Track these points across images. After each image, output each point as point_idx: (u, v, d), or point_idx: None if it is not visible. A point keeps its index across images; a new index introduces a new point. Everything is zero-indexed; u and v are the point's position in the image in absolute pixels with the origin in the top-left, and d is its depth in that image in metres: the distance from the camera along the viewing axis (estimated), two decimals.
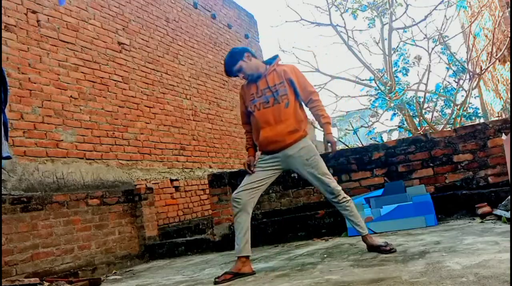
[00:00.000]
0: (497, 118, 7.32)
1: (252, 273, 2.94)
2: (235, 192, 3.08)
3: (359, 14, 10.02)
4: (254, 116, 3.11)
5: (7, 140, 3.10)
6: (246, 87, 3.22)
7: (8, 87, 3.44)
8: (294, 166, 3.07)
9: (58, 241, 4.13)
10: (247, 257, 2.98)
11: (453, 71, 8.98)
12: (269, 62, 3.22)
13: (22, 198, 3.92)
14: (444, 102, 9.66)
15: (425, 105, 9.41)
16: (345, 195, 3.05)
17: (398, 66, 9.43)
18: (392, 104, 8.66)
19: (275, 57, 3.24)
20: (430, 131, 6.91)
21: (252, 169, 3.14)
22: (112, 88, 5.73)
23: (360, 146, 7.26)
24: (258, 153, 3.28)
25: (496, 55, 7.53)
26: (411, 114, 8.81)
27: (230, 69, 3.16)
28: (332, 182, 3.03)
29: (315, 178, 3.02)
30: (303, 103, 3.16)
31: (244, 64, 3.11)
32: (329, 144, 3.05)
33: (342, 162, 4.70)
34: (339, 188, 3.03)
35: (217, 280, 2.86)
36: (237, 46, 3.39)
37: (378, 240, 3.04)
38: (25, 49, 4.64)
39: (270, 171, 3.10)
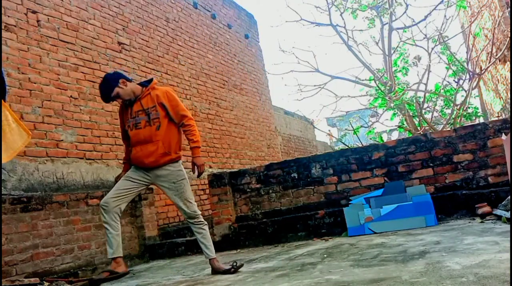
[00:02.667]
0: (497, 118, 7.32)
1: (126, 272, 3.29)
2: (103, 199, 3.26)
3: (359, 14, 10.02)
4: (128, 135, 3.33)
5: None
6: (123, 106, 3.39)
7: (8, 88, 3.44)
8: (161, 185, 3.30)
9: (58, 241, 4.13)
10: (121, 257, 3.28)
11: (453, 71, 8.98)
12: (144, 84, 3.35)
13: (22, 198, 3.91)
14: (444, 102, 9.66)
15: (425, 105, 9.40)
16: (202, 219, 3.31)
17: (398, 66, 9.43)
18: (392, 104, 8.66)
19: (151, 80, 3.38)
20: (430, 131, 6.91)
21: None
22: None
23: (360, 146, 7.26)
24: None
25: (496, 55, 7.53)
26: (411, 114, 8.81)
27: (107, 96, 3.30)
28: (193, 206, 3.28)
29: (177, 201, 3.26)
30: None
31: (120, 91, 3.25)
32: (195, 166, 3.24)
33: (342, 162, 4.70)
34: (198, 212, 3.31)
35: (94, 277, 3.19)
36: (110, 72, 3.56)
37: (224, 266, 3.26)
38: (25, 49, 4.64)
39: (139, 184, 3.31)
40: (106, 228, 3.25)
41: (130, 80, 3.34)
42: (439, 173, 4.32)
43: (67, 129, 4.91)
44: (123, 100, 3.30)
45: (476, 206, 3.88)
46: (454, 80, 9.00)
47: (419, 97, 9.21)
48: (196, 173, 3.23)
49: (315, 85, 10.25)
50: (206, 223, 3.35)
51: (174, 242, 5.13)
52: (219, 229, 4.95)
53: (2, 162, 2.96)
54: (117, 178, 3.42)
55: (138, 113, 3.25)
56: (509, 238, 2.64)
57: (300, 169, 4.88)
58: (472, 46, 8.46)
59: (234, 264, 3.20)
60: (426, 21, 9.04)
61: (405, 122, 9.29)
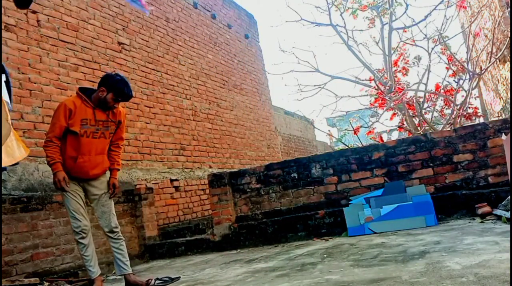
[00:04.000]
0: (497, 118, 7.32)
1: None
2: (77, 225, 3.19)
3: (359, 14, 10.02)
4: (78, 140, 3.16)
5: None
6: (80, 107, 3.18)
7: (11, 87, 3.45)
8: (91, 194, 3.30)
9: (58, 241, 4.13)
10: (101, 274, 3.34)
11: (453, 71, 8.98)
12: None
13: (22, 198, 3.92)
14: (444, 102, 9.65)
15: (425, 105, 9.39)
16: (121, 235, 3.38)
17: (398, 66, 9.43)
18: (391, 104, 8.65)
19: None
20: (430, 131, 6.91)
21: (68, 185, 3.18)
22: None
23: (360, 146, 7.26)
24: None
25: (496, 55, 7.53)
26: (411, 114, 8.80)
27: (131, 96, 3.33)
28: (116, 220, 3.35)
29: (103, 212, 3.30)
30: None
31: None
32: (114, 187, 3.36)
33: (342, 162, 4.70)
34: (119, 227, 3.38)
35: None
36: (110, 73, 3.43)
37: (140, 279, 3.40)
38: (25, 49, 4.64)
39: (83, 195, 3.30)
40: (86, 250, 3.19)
41: None
42: (439, 173, 4.32)
43: None
44: (110, 104, 3.20)
45: (476, 206, 3.88)
46: (454, 80, 8.99)
47: (419, 97, 9.20)
48: (110, 193, 3.34)
49: (315, 85, 10.23)
50: (123, 238, 3.40)
51: (174, 242, 5.13)
52: (219, 229, 4.95)
53: (2, 164, 2.96)
54: (61, 181, 3.09)
55: (99, 123, 3.23)
56: (509, 238, 2.64)
57: (300, 169, 4.88)
58: (472, 46, 8.46)
59: (149, 280, 3.30)
60: (426, 21, 9.04)
61: (405, 123, 9.27)
